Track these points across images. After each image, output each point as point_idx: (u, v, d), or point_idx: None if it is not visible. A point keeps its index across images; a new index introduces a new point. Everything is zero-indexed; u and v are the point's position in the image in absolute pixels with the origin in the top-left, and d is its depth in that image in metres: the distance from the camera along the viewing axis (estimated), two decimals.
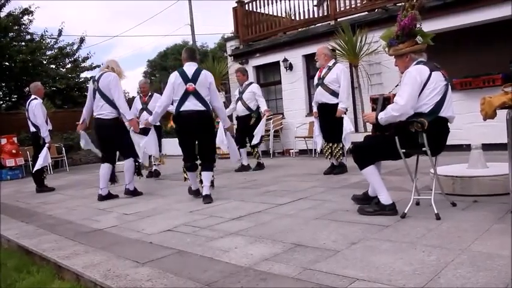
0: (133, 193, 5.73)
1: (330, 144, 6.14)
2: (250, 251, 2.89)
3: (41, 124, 6.92)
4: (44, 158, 6.85)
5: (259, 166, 7.66)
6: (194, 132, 4.87)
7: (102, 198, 5.58)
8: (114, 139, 5.58)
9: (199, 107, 4.77)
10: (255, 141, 7.24)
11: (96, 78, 5.51)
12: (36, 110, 6.98)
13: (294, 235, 3.17)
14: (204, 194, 4.83)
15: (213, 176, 4.97)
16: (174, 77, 4.83)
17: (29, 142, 10.65)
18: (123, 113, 5.46)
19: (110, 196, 5.65)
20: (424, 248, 2.62)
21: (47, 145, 6.93)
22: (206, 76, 4.87)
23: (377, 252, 2.63)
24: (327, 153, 6.22)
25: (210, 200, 4.77)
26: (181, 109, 4.78)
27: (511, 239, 2.56)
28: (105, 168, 5.61)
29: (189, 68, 4.86)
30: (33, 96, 7.22)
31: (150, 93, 7.76)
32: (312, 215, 3.75)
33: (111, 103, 5.40)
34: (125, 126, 5.67)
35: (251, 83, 7.68)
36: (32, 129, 7.15)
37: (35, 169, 7.04)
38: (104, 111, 5.43)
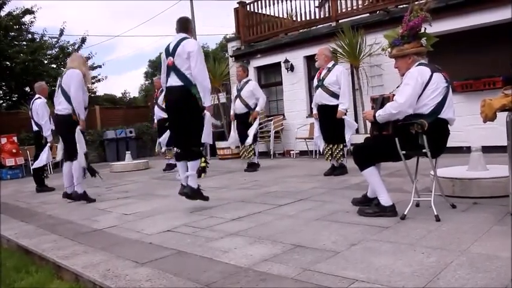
0: (83, 197, 5.50)
1: (330, 146, 6.14)
2: (250, 251, 2.89)
3: (44, 123, 6.95)
4: (46, 156, 6.83)
5: (251, 166, 7.62)
6: (174, 111, 4.35)
7: (66, 195, 5.62)
8: (64, 135, 5.56)
9: (177, 82, 4.24)
10: (248, 140, 7.28)
11: (62, 74, 5.59)
12: (40, 109, 7.03)
13: (294, 236, 3.17)
14: (184, 183, 4.36)
15: (206, 162, 4.38)
16: (162, 53, 4.43)
17: (29, 142, 10.69)
18: (77, 111, 5.36)
19: (84, 196, 5.54)
20: (424, 249, 2.62)
21: (48, 144, 6.94)
22: (184, 46, 4.19)
23: (377, 253, 2.64)
24: (327, 155, 6.22)
25: (188, 192, 4.29)
26: (166, 85, 4.37)
27: (510, 241, 2.56)
28: (67, 167, 5.56)
29: (174, 40, 4.33)
30: (37, 96, 7.31)
31: (161, 89, 7.87)
32: (312, 216, 3.75)
33: (69, 99, 5.39)
34: (76, 124, 5.49)
35: (249, 81, 7.62)
36: (35, 128, 7.20)
37: (35, 165, 7.02)
38: (60, 107, 5.46)
